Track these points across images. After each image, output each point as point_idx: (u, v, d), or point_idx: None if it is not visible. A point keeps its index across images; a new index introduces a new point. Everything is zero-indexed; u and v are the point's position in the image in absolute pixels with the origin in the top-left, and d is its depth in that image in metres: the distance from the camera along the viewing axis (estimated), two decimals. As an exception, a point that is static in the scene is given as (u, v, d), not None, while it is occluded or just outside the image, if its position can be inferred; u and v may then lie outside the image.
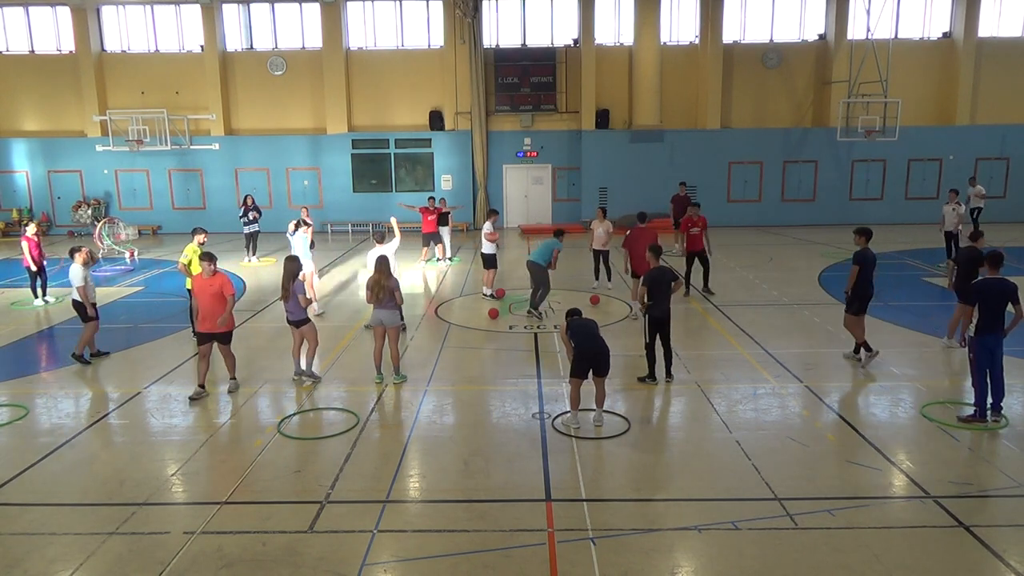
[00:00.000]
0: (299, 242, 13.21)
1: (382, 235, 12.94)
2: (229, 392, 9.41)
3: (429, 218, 18.25)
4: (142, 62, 25.33)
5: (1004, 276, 8.12)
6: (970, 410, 8.22)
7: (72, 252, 10.77)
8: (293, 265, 9.55)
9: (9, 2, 24.90)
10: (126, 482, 7.04)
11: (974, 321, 8.15)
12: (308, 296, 9.84)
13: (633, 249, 12.87)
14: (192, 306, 9.93)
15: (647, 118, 23.93)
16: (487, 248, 14.76)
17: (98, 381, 10.14)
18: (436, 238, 18.44)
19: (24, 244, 14.22)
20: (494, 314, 13.09)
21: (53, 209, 25.61)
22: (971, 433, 7.92)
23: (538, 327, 12.46)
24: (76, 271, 10.59)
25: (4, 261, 20.46)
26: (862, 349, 10.25)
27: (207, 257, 9.22)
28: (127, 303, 14.97)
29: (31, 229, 14.47)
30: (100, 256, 18.82)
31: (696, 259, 14.54)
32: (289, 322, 9.72)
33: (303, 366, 9.86)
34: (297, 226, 13.32)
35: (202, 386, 9.29)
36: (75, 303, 10.69)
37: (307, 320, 9.73)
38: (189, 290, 11.54)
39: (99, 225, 20.38)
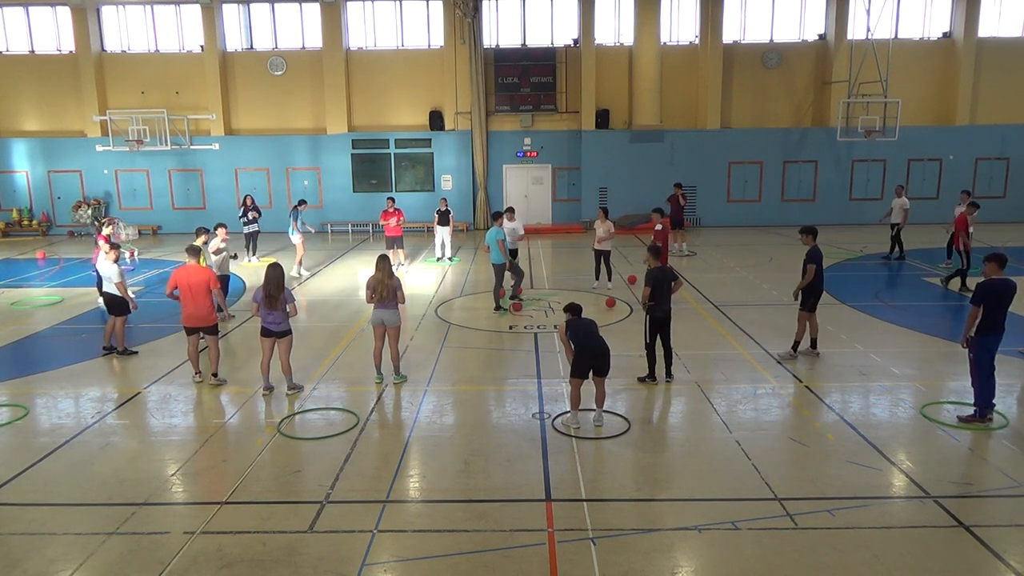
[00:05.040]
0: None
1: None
2: (214, 385, 9.71)
3: (391, 222, 17.64)
4: (142, 62, 25.32)
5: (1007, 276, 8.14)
6: (970, 410, 8.23)
7: (113, 247, 11.16)
8: (278, 272, 9.17)
9: (9, 2, 24.89)
10: (126, 482, 7.04)
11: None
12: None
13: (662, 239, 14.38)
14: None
15: (647, 118, 23.92)
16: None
17: (98, 381, 10.14)
18: (399, 243, 17.90)
19: (101, 242, 14.28)
20: (518, 307, 13.56)
21: (53, 209, 25.59)
22: (971, 433, 7.93)
23: (538, 327, 12.46)
24: (111, 267, 10.90)
25: (4, 261, 20.46)
26: (798, 346, 10.63)
27: (192, 251, 9.95)
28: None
29: (107, 230, 14.54)
30: (134, 256, 18.77)
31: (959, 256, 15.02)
32: (270, 333, 9.18)
33: (270, 381, 9.45)
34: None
35: (214, 374, 9.83)
36: (110, 297, 11.03)
37: (290, 330, 9.40)
38: None
39: (99, 225, 20.35)
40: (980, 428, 7.99)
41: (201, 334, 9.85)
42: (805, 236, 10.65)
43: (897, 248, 18.27)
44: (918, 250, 19.59)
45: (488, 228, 14.85)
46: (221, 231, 13.23)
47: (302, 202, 18.26)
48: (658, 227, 14.58)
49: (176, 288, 9.63)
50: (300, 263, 17.62)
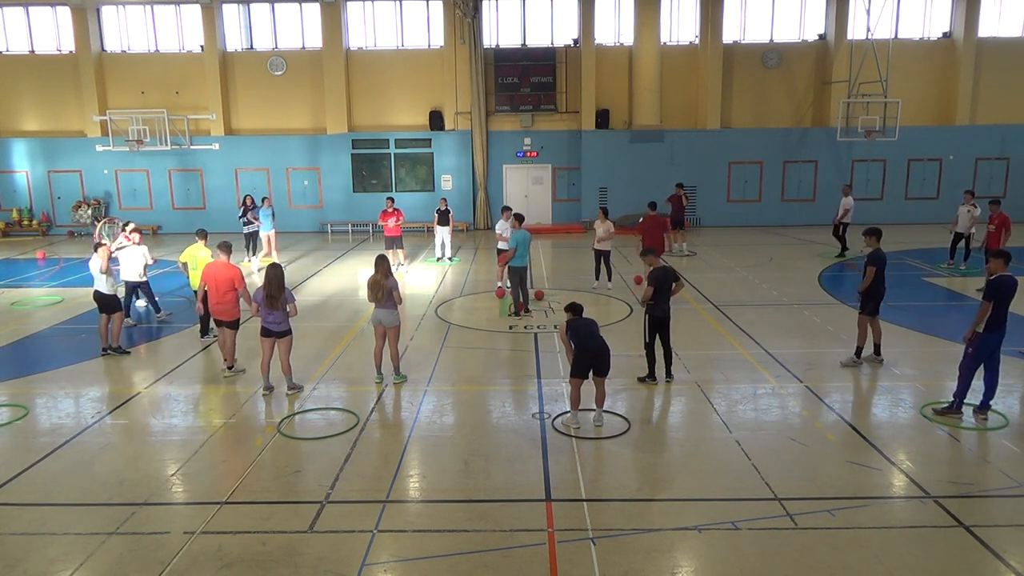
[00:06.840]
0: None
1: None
2: (226, 376, 10.08)
3: (389, 223, 17.62)
4: (142, 62, 25.32)
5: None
6: (972, 405, 8.26)
7: (96, 247, 11.16)
8: (279, 272, 9.23)
9: (9, 2, 24.89)
10: (126, 482, 7.04)
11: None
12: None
13: (646, 233, 15.16)
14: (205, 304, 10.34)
15: (647, 118, 23.92)
16: (500, 244, 15.23)
17: (98, 381, 10.14)
18: (398, 243, 17.91)
19: (123, 239, 14.22)
20: (500, 293, 14.30)
21: (53, 209, 25.58)
22: (971, 433, 7.94)
23: (538, 327, 12.46)
24: (100, 265, 10.86)
25: (4, 261, 20.46)
26: (861, 352, 10.23)
27: (224, 247, 10.43)
28: (127, 303, 14.93)
29: (130, 227, 14.49)
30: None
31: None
32: (270, 333, 9.19)
33: (270, 381, 9.46)
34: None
35: (231, 367, 10.22)
36: (100, 296, 10.97)
37: (290, 330, 9.41)
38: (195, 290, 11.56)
39: (99, 225, 20.35)
40: (954, 424, 8.04)
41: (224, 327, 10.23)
42: (869, 238, 10.11)
43: (843, 246, 18.90)
44: (918, 250, 19.61)
45: (495, 226, 16.01)
46: (135, 235, 13.25)
47: (265, 199, 18.93)
48: (640, 220, 14.95)
49: (205, 283, 10.14)
50: (268, 254, 18.50)
